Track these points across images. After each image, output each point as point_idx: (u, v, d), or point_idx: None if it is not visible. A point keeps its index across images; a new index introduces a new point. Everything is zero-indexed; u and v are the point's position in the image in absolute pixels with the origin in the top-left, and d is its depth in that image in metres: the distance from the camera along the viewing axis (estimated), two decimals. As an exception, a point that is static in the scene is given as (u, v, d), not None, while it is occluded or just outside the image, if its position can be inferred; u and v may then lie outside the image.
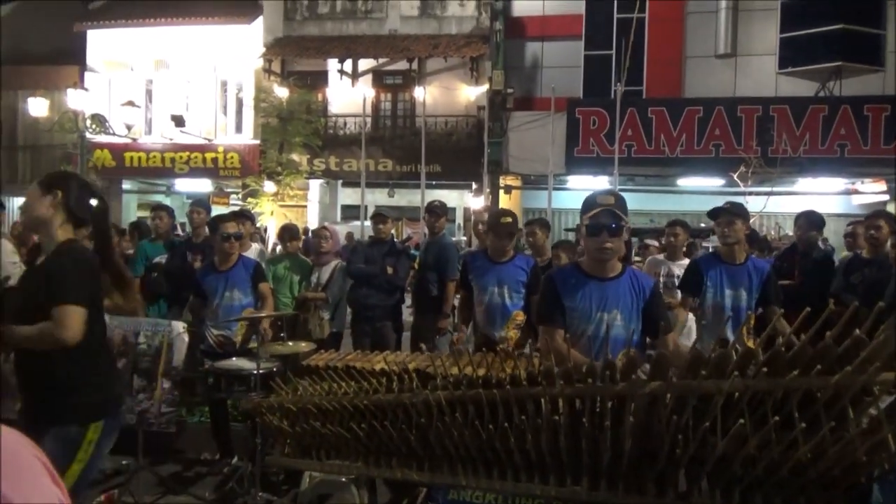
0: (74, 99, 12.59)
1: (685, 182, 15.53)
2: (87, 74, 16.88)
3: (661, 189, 15.82)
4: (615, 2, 15.57)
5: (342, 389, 2.54)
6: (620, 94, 13.61)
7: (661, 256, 5.17)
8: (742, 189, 13.05)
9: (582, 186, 16.14)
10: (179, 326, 3.71)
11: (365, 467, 2.57)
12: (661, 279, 4.95)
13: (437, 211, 5.48)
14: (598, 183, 15.81)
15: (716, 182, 14.89)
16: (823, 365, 1.72)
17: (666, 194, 15.95)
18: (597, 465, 2.06)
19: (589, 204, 2.71)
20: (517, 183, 16.39)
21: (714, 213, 3.96)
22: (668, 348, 2.66)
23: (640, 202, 15.98)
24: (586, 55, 15.94)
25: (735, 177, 13.20)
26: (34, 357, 2.31)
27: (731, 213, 3.89)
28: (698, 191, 15.59)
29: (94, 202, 2.40)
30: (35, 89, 15.28)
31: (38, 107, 13.44)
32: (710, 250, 5.20)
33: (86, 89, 13.25)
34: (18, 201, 19.12)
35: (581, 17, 15.86)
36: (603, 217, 2.63)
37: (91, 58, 17.37)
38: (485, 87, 15.74)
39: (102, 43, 17.32)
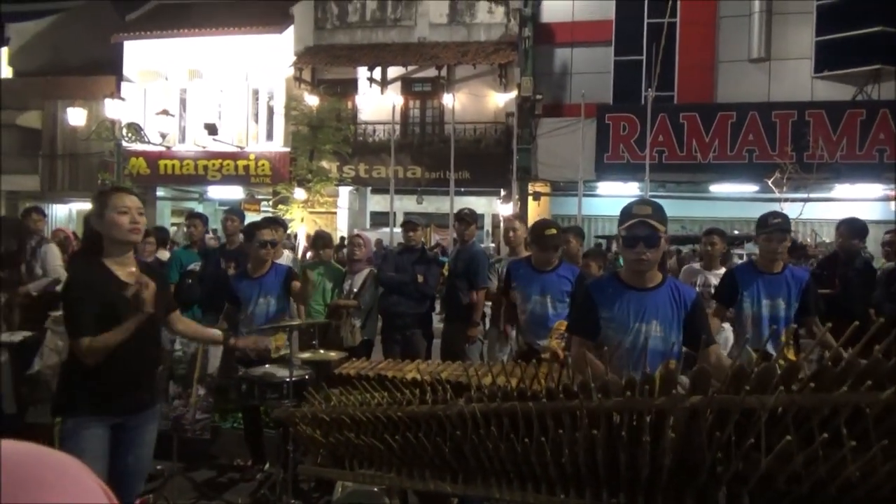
0: (111, 108, 12.86)
1: (718, 188, 15.31)
2: (123, 84, 17.27)
3: (692, 195, 15.59)
4: (646, 7, 15.46)
5: (375, 400, 2.53)
6: (651, 100, 13.46)
7: (697, 265, 5.08)
8: (777, 195, 12.83)
9: (612, 193, 16.04)
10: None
11: (398, 478, 2.56)
12: (698, 289, 4.86)
13: (467, 219, 5.46)
14: (628, 189, 15.69)
15: (749, 188, 14.66)
16: (873, 380, 1.66)
17: (698, 201, 15.72)
18: (635, 479, 2.03)
19: (625, 214, 2.65)
20: (546, 189, 16.32)
21: (764, 228, 3.81)
22: (711, 361, 2.60)
23: (672, 209, 15.62)
24: (616, 61, 15.83)
25: (770, 183, 12.98)
26: (155, 345, 2.77)
27: (783, 231, 3.77)
28: (731, 197, 15.36)
29: None
30: (74, 99, 15.68)
31: (76, 116, 13.78)
32: (747, 258, 5.09)
33: (122, 99, 13.53)
34: (57, 208, 19.63)
35: (611, 22, 15.78)
36: (639, 228, 2.58)
37: (127, 68, 17.78)
38: (513, 94, 15.72)
39: (138, 53, 17.72)
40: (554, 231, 4.09)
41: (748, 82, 15.19)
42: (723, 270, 4.60)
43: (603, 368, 2.24)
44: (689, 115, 14.68)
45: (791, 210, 11.91)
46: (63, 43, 19.73)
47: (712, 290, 4.50)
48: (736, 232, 12.71)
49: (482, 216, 18.32)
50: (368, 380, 3.32)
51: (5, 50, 19.28)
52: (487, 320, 5.55)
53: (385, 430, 2.45)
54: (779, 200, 12.68)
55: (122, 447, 2.60)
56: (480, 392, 2.29)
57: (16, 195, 19.10)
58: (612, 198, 16.20)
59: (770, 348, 3.55)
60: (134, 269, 2.63)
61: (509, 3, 16.44)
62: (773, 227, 3.77)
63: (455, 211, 14.32)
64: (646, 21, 15.50)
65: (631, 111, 14.99)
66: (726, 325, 4.12)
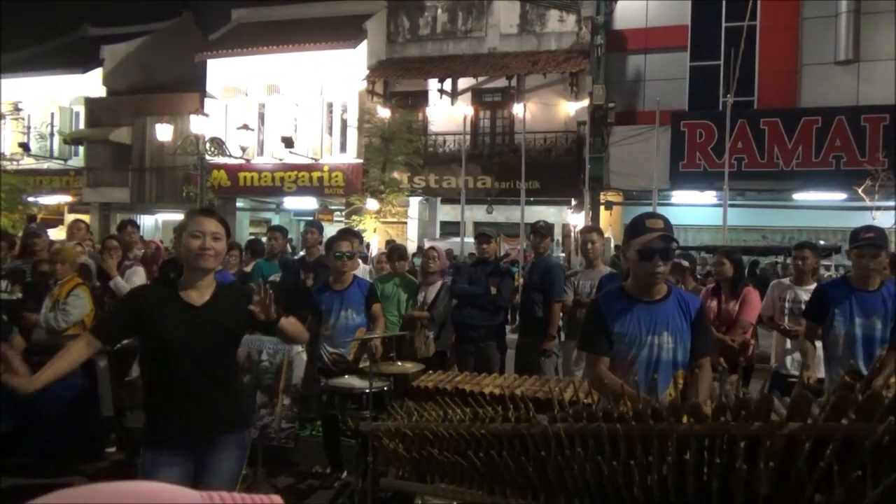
0: (196, 124, 13.50)
1: (801, 196, 14.64)
2: (206, 101, 18.08)
3: (774, 204, 14.99)
4: (723, 10, 15.02)
5: (458, 416, 2.55)
6: (730, 106, 13.03)
7: (787, 281, 4.86)
8: (868, 204, 12.16)
9: (687, 201, 15.62)
10: (299, 345, 3.87)
11: (478, 495, 2.56)
12: (788, 305, 4.65)
13: (543, 231, 5.44)
14: (705, 198, 15.26)
15: (836, 196, 13.96)
16: None
17: (780, 209, 15.11)
18: (727, 507, 1.96)
19: (637, 228, 2.65)
20: (618, 199, 16.03)
21: (855, 243, 3.59)
22: (706, 373, 2.67)
23: (752, 218, 15.24)
24: (692, 66, 15.44)
25: (860, 191, 12.32)
26: (219, 367, 2.55)
27: (876, 246, 3.54)
28: (816, 205, 14.67)
29: None
30: (161, 115, 16.54)
31: (164, 132, 14.52)
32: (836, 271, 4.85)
33: (206, 115, 14.17)
34: (145, 218, 20.70)
35: (686, 27, 15.41)
36: (656, 242, 2.58)
37: (210, 85, 18.60)
38: (585, 103, 15.55)
39: (220, 71, 18.51)
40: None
41: (834, 85, 14.47)
42: (814, 286, 4.39)
43: (619, 384, 2.22)
44: (771, 121, 14.12)
45: (884, 219, 11.29)
46: (152, 63, 20.88)
47: (803, 307, 4.30)
48: (822, 242, 12.12)
49: (552, 226, 18.13)
50: (447, 393, 3.34)
51: (100, 70, 20.54)
52: (562, 333, 5.50)
53: (468, 447, 2.47)
54: (869, 209, 12.02)
55: (204, 476, 2.51)
56: (564, 411, 2.27)
57: (108, 206, 20.30)
58: (688, 206, 15.77)
59: (862, 368, 3.36)
60: (208, 294, 2.53)
61: (581, 12, 16.30)
62: (865, 242, 3.54)
63: (525, 221, 14.31)
64: (723, 25, 15.06)
65: (708, 118, 14.57)
66: (817, 343, 3.92)
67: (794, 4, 14.78)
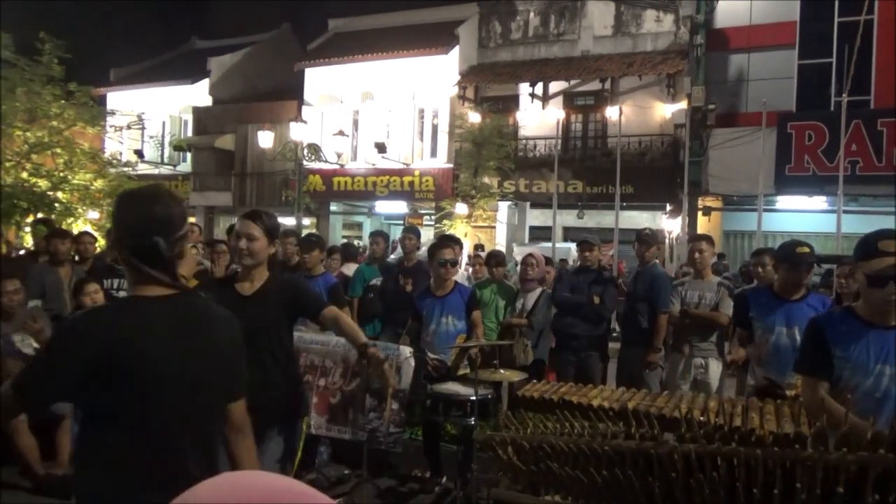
0: (296, 131, 14.01)
1: (924, 202, 13.54)
2: (304, 108, 18.73)
3: (893, 211, 13.93)
4: (836, 5, 14.12)
5: (576, 430, 2.50)
6: (845, 106, 12.22)
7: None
8: None
9: (793, 207, 14.82)
10: (407, 351, 3.93)
11: (596, 512, 2.50)
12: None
13: (648, 240, 5.28)
14: (814, 203, 14.42)
15: (964, 202, 12.81)
16: None
17: (899, 216, 14.02)
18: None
19: (869, 249, 2.37)
20: (717, 204, 15.39)
21: None
22: None
23: (866, 225, 14.11)
24: (800, 65, 14.60)
25: None
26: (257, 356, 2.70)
27: None
28: (942, 212, 13.50)
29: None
30: (263, 123, 17.24)
31: (265, 139, 15.13)
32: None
33: (304, 122, 14.66)
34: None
35: (794, 23, 14.60)
36: (890, 269, 2.29)
37: (308, 93, 19.25)
38: (682, 105, 15.02)
39: (318, 79, 19.14)
40: (806, 249, 3.80)
41: (963, 82, 13.31)
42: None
43: (843, 414, 2.03)
44: (890, 122, 13.15)
45: None
46: (254, 73, 21.88)
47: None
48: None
49: (657, 234, 17.53)
50: (553, 404, 3.29)
51: (207, 81, 21.70)
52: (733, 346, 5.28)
53: (588, 463, 2.41)
54: None
55: None
56: (693, 431, 2.18)
57: (212, 209, 21.40)
58: (795, 212, 14.92)
59: None
60: (258, 285, 2.76)
61: (679, 11, 15.77)
62: None
63: (618, 226, 13.96)
64: (836, 20, 14.15)
65: (817, 118, 13.74)
66: None
67: (917, -4, 13.72)
